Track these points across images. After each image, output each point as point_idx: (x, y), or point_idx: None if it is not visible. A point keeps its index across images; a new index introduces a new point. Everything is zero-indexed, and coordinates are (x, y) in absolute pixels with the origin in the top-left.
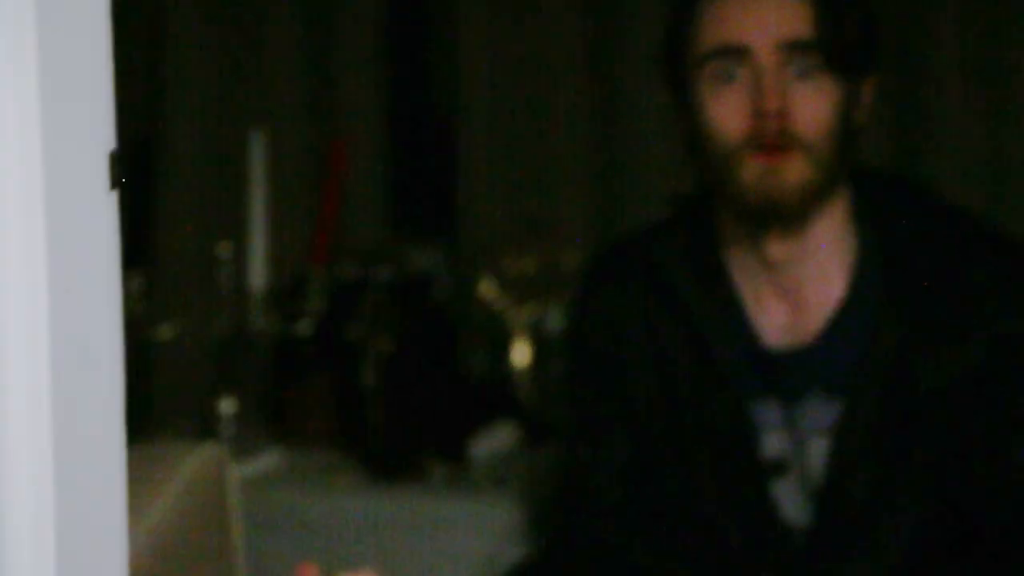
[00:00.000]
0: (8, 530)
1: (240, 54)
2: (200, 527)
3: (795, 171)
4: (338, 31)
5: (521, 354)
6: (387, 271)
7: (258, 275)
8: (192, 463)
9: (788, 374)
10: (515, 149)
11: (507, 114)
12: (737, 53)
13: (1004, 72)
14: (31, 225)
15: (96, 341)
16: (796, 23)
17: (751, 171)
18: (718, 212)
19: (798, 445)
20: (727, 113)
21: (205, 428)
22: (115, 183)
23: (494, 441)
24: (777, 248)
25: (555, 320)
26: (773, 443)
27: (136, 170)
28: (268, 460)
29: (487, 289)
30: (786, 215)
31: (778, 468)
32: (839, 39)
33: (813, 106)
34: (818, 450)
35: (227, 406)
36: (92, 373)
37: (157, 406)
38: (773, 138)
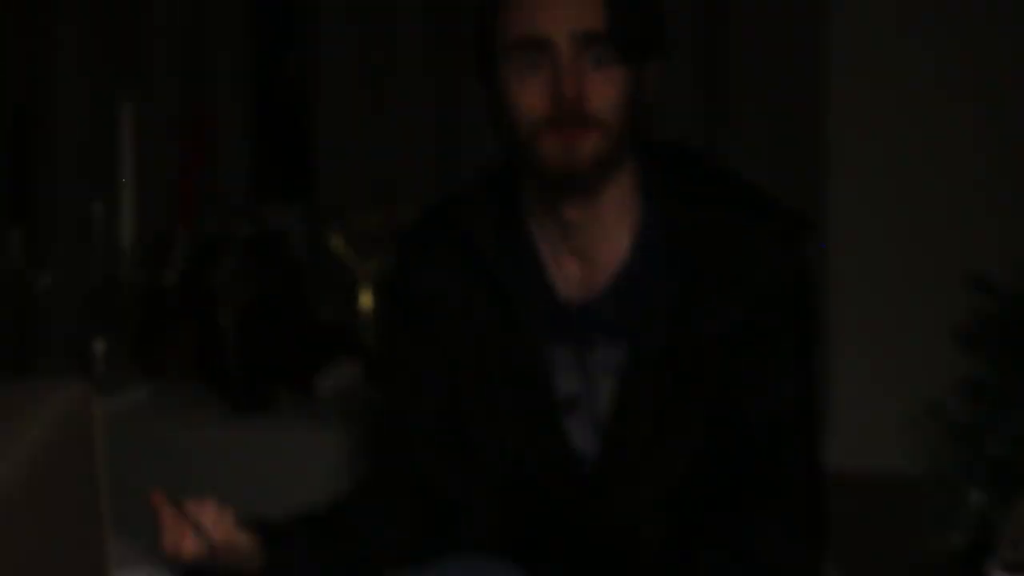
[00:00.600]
0: None
1: (118, 27)
2: (67, 456)
3: (588, 146)
4: (209, 5)
5: (365, 301)
6: (248, 227)
7: (128, 230)
8: (60, 399)
9: (580, 323)
10: (365, 121)
11: (360, 89)
12: (539, 44)
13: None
14: None
15: None
16: (590, 17)
17: (550, 146)
18: (522, 181)
19: (588, 384)
20: (530, 97)
21: (80, 367)
22: None
23: (338, 376)
24: (572, 213)
25: None
26: (566, 383)
27: (21, 133)
28: (135, 395)
29: (337, 244)
30: (580, 184)
31: (570, 404)
32: (628, 31)
33: (605, 90)
34: (605, 389)
35: (99, 347)
36: None
37: (37, 347)
38: (570, 118)
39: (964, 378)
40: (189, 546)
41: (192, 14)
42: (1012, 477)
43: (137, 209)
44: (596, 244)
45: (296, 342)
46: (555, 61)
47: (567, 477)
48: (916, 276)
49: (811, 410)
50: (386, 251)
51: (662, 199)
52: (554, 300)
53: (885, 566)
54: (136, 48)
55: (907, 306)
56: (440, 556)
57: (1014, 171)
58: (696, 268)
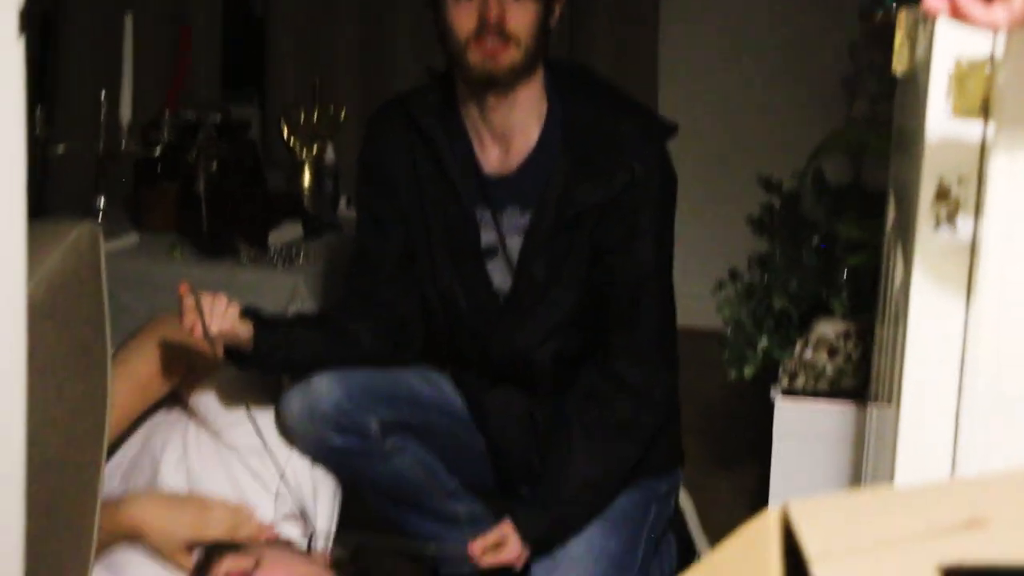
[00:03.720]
0: None
1: None
2: (80, 278)
3: (506, 57)
4: None
5: (305, 177)
6: (216, 117)
7: (126, 113)
8: (76, 234)
9: (497, 192)
10: (310, 37)
11: (305, 11)
12: None
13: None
14: None
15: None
16: None
17: (476, 56)
18: (457, 82)
19: (503, 239)
20: (463, 19)
21: (86, 218)
22: (22, 29)
23: (285, 233)
24: (493, 105)
25: (329, 155)
26: (487, 237)
27: (45, 34)
28: (128, 240)
29: (285, 132)
30: (499, 85)
31: (490, 252)
32: None
33: (521, 16)
34: (514, 243)
35: (100, 202)
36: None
37: (53, 202)
38: (492, 35)
39: (755, 253)
40: (199, 328)
41: None
42: (789, 327)
43: (134, 98)
44: (512, 132)
45: (253, 205)
46: None
47: (486, 307)
48: (721, 177)
49: (665, 267)
50: (323, 139)
51: (563, 101)
52: (479, 174)
53: (700, 392)
54: None
55: (714, 199)
56: (389, 365)
57: (801, 101)
58: (584, 153)
